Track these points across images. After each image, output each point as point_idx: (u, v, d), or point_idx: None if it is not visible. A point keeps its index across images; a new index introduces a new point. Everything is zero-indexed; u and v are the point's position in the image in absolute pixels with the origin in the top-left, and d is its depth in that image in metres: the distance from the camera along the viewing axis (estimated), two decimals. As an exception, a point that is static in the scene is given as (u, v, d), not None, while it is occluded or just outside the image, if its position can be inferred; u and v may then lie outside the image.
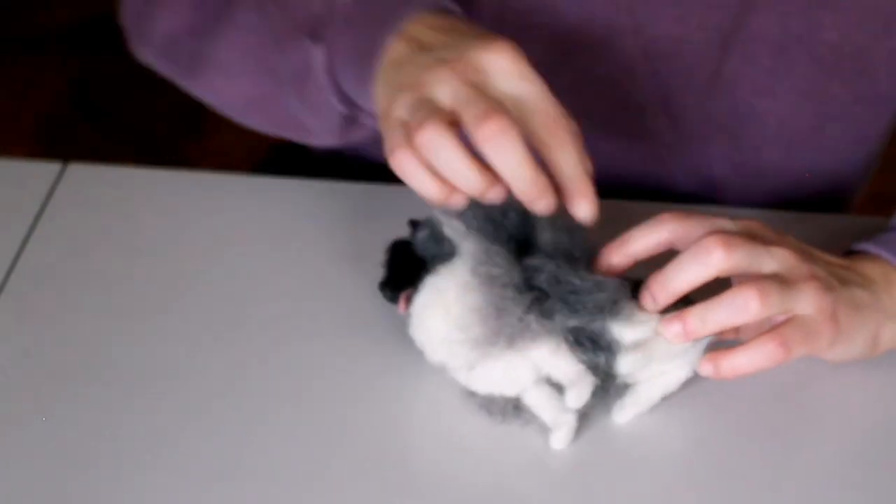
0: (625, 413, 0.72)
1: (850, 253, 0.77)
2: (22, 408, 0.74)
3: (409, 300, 0.71)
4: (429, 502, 0.69)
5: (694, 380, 0.72)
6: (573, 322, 0.68)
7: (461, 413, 0.73)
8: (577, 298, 0.68)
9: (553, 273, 0.69)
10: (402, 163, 0.68)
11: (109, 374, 0.76)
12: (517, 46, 0.69)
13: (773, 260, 0.69)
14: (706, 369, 0.69)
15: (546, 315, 0.68)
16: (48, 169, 0.91)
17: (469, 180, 0.67)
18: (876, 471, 0.72)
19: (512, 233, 0.71)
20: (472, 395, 0.72)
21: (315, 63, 0.77)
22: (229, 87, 0.86)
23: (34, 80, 2.31)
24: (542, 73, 0.83)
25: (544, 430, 0.71)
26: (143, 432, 0.72)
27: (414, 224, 0.74)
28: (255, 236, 0.86)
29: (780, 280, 0.68)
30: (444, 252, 0.71)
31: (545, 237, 0.71)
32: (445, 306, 0.69)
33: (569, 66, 0.88)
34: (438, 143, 0.66)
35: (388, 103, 0.70)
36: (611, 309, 0.68)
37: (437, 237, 0.71)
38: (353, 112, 0.79)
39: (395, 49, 0.72)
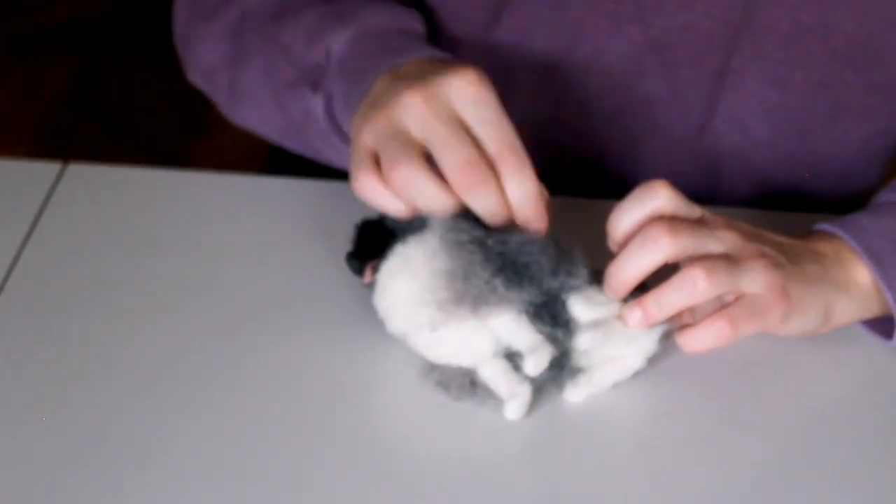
0: (577, 392, 0.73)
1: (808, 234, 0.78)
2: (22, 408, 0.74)
3: (375, 270, 0.73)
4: (388, 476, 0.70)
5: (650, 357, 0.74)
6: (536, 289, 0.70)
7: (423, 394, 0.73)
8: (540, 268, 0.70)
9: (519, 242, 0.71)
10: (366, 187, 0.73)
11: (109, 374, 0.76)
12: (482, 72, 0.73)
13: (720, 241, 0.71)
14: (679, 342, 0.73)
15: (511, 281, 0.70)
16: (48, 169, 0.91)
17: (444, 207, 0.71)
18: (833, 445, 0.73)
19: None
20: (429, 372, 0.73)
21: (316, 111, 0.82)
22: (261, 119, 0.90)
23: (34, 80, 2.31)
24: (537, 72, 0.86)
25: (498, 410, 0.72)
26: (142, 431, 0.72)
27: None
28: (255, 236, 0.86)
29: (728, 259, 0.71)
30: (414, 226, 0.73)
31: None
32: (413, 270, 0.71)
33: (573, 56, 0.88)
34: (414, 180, 0.71)
35: (358, 125, 0.75)
36: (572, 273, 0.71)
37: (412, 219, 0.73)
38: None
39: (377, 83, 0.76)
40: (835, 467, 0.72)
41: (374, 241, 0.74)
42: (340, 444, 0.72)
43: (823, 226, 0.77)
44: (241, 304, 0.81)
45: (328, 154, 0.86)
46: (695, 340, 0.71)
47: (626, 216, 0.72)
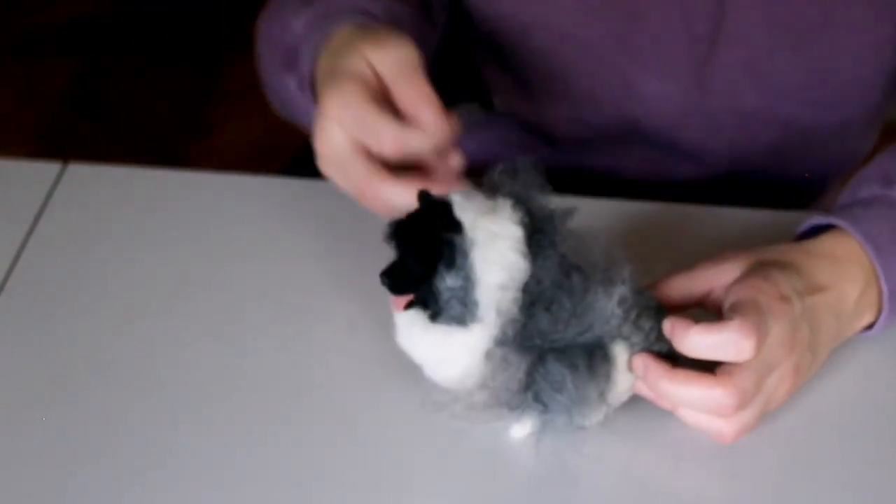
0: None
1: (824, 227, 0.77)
2: (22, 408, 0.74)
3: (409, 306, 0.67)
4: (388, 476, 0.70)
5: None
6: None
7: (424, 394, 0.72)
8: (572, 392, 0.67)
9: (556, 380, 0.67)
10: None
11: (109, 374, 0.76)
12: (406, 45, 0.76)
13: (773, 383, 0.70)
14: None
15: (538, 399, 0.68)
16: (48, 169, 0.91)
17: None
18: (833, 447, 0.73)
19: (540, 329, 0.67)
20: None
21: (291, 88, 0.85)
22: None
23: (34, 79, 2.31)
24: None
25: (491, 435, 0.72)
26: (142, 432, 0.72)
27: (450, 220, 0.66)
28: (255, 236, 0.86)
29: (762, 404, 0.70)
30: (463, 317, 0.66)
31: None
32: (451, 355, 0.67)
33: None
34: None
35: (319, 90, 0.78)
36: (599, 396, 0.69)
37: (466, 297, 0.65)
38: None
39: (323, 57, 0.80)
40: (836, 469, 0.72)
41: (416, 279, 0.66)
42: (341, 444, 0.72)
43: (843, 224, 0.76)
44: (241, 304, 0.81)
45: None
46: (692, 422, 0.71)
47: (704, 347, 0.68)
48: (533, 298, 0.66)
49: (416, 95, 0.74)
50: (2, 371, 0.76)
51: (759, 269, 0.72)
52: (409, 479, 0.71)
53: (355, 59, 0.75)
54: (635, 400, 0.73)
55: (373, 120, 0.73)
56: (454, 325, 0.66)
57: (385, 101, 0.74)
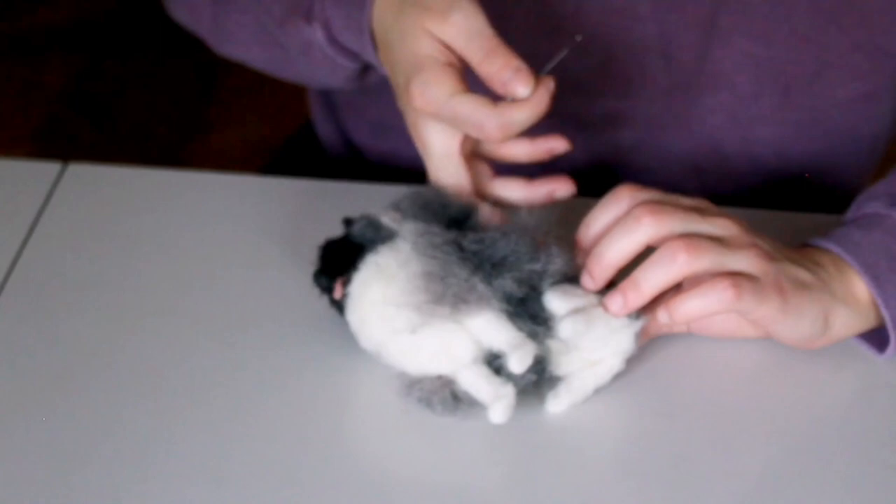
0: (559, 402, 0.72)
1: (803, 247, 0.78)
2: (22, 408, 0.74)
3: (345, 284, 0.73)
4: (371, 496, 0.69)
5: (629, 371, 0.74)
6: (516, 276, 0.70)
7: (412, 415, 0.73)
8: (518, 257, 0.70)
9: (493, 237, 0.71)
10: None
11: (109, 373, 0.76)
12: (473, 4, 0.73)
13: (712, 226, 0.70)
14: (662, 317, 0.71)
15: (490, 276, 0.70)
16: (48, 169, 0.91)
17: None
18: (815, 464, 0.72)
19: (451, 219, 0.74)
20: (409, 389, 0.72)
21: (316, 40, 0.83)
22: (247, 54, 0.93)
23: (34, 80, 2.31)
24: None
25: (484, 434, 0.71)
26: (142, 431, 0.72)
27: (348, 222, 0.76)
28: (255, 236, 0.86)
29: (715, 239, 0.69)
30: (382, 236, 0.73)
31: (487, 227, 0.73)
32: (387, 276, 0.71)
33: None
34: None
35: (395, 81, 0.77)
36: (552, 256, 0.71)
37: (375, 226, 0.74)
38: (363, 64, 0.85)
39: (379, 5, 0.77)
40: (837, 469, 0.72)
41: (341, 257, 0.74)
42: (342, 443, 0.72)
43: (817, 241, 0.77)
44: (241, 304, 0.81)
45: (329, 79, 0.89)
46: (694, 303, 0.69)
47: (597, 222, 0.72)
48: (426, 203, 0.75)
49: (502, 68, 0.71)
50: (2, 371, 0.76)
51: None
52: (409, 478, 0.71)
53: (423, 41, 0.73)
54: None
55: (469, 111, 0.72)
56: (380, 248, 0.72)
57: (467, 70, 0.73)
